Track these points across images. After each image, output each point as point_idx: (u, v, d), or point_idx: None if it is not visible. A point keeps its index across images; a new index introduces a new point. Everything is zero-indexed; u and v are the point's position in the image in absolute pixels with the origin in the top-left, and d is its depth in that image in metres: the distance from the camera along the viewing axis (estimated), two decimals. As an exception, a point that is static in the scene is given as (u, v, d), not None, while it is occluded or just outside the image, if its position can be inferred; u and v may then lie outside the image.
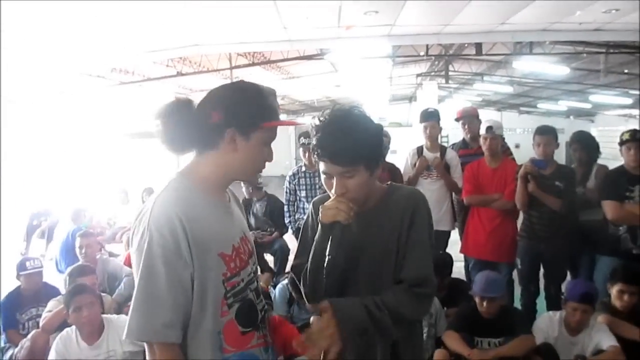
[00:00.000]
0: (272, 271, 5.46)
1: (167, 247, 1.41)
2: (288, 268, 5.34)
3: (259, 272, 5.21)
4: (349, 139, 1.61)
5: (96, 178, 11.92)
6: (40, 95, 9.02)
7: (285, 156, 23.26)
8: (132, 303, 1.42)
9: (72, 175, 12.39)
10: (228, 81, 9.34)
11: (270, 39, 6.13)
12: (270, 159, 1.63)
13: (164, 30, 5.35)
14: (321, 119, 1.69)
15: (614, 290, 3.52)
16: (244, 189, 5.92)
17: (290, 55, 8.24)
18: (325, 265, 1.70)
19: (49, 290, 4.23)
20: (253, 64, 8.66)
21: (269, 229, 5.93)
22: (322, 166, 1.68)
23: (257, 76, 10.28)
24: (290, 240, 5.90)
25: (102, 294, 3.98)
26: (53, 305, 3.70)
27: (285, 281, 4.49)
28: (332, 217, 1.65)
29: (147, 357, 1.48)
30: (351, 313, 1.61)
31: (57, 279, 4.46)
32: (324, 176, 1.71)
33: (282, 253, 5.72)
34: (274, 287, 4.76)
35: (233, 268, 1.54)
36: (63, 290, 3.99)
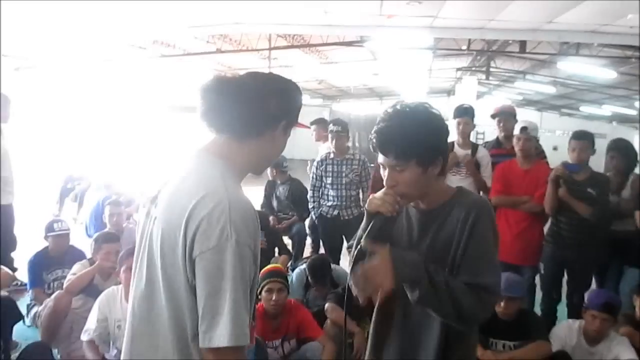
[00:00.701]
0: (289, 254, 5.49)
1: (250, 247, 1.35)
2: (306, 253, 5.38)
3: (275, 254, 5.25)
4: (402, 133, 1.61)
5: (133, 148, 12.19)
6: (85, 62, 9.23)
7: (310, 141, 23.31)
8: (225, 306, 1.30)
9: (110, 143, 12.69)
10: (266, 61, 9.48)
11: (311, 22, 6.12)
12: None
13: (207, 6, 5.39)
14: (387, 110, 1.70)
15: (638, 302, 3.44)
16: (267, 170, 5.95)
17: (330, 40, 8.20)
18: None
19: (75, 253, 4.35)
20: (292, 46, 8.66)
21: (290, 213, 5.96)
22: (378, 156, 1.69)
23: (295, 58, 10.29)
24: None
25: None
26: (78, 269, 3.80)
27: (303, 266, 4.52)
28: (376, 207, 1.65)
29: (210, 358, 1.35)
30: (409, 261, 1.59)
31: (85, 243, 4.57)
32: (381, 167, 1.70)
33: (299, 237, 5.76)
34: (292, 270, 4.79)
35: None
36: (89, 255, 4.11)
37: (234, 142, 1.48)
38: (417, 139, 1.60)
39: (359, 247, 1.68)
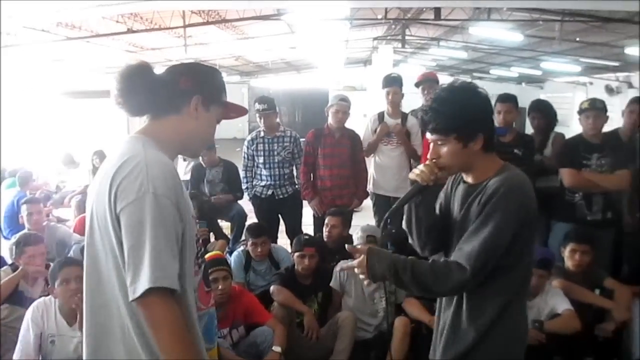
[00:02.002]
0: (226, 238, 5.36)
1: (170, 198, 1.43)
2: (244, 234, 5.26)
3: (212, 239, 5.11)
4: (440, 110, 1.75)
5: (38, 139, 11.38)
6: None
7: (238, 119, 22.89)
8: (145, 253, 1.36)
9: (13, 135, 11.79)
10: (181, 40, 9.08)
11: (227, -4, 5.88)
12: (213, 141, 1.72)
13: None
14: (437, 90, 1.86)
15: (566, 251, 3.61)
16: (200, 158, 5.71)
17: (246, 14, 7.95)
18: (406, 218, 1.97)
19: (-7, 259, 4.00)
20: (208, 23, 8.34)
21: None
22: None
23: (211, 35, 9.94)
24: (246, 204, 5.80)
25: (51, 264, 3.79)
26: (-1, 276, 3.51)
27: (242, 248, 4.42)
28: (414, 176, 1.82)
29: (146, 314, 1.39)
30: (382, 265, 1.77)
31: (2, 247, 4.23)
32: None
33: (239, 218, 5.60)
34: (230, 254, 4.67)
35: (197, 231, 1.68)
36: (8, 260, 3.79)
37: (155, 122, 1.61)
38: (454, 115, 1.74)
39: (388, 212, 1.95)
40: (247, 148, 5.09)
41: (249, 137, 5.16)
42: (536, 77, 19.18)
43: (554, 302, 3.39)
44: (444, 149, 1.78)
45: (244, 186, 5.27)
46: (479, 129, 1.76)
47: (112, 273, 1.46)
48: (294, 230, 4.99)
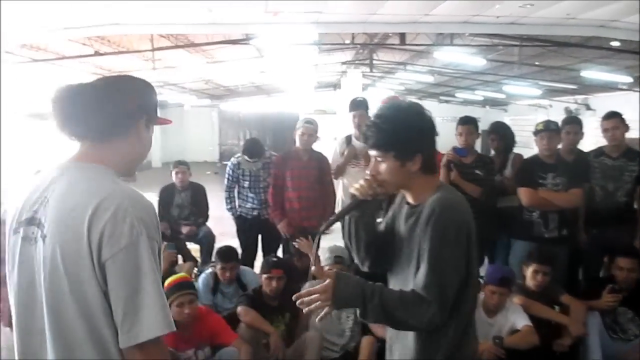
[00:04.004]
0: (194, 260, 5.36)
1: (158, 239, 1.40)
2: (214, 257, 5.27)
3: (180, 262, 5.10)
4: (382, 126, 1.77)
5: (3, 160, 11.14)
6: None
7: (208, 142, 22.82)
8: (141, 299, 1.31)
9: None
10: (149, 63, 9.07)
11: (195, 21, 5.95)
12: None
13: (81, 5, 5.04)
14: (379, 107, 1.87)
15: (528, 271, 3.74)
16: (174, 178, 5.73)
17: (215, 38, 8.03)
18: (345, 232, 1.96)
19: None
20: (176, 47, 8.37)
21: (192, 218, 5.77)
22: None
23: (180, 59, 9.96)
24: (215, 226, 5.81)
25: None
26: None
27: (209, 270, 4.42)
28: (354, 190, 1.84)
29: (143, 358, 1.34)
30: (347, 291, 1.71)
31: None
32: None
33: (207, 241, 5.62)
34: (198, 276, 4.66)
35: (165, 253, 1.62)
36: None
37: (100, 146, 1.47)
38: (393, 133, 1.76)
39: (324, 225, 1.91)
40: (232, 171, 5.23)
41: (234, 160, 5.28)
42: (500, 100, 19.70)
43: (514, 319, 3.49)
44: (383, 166, 1.80)
45: (227, 206, 5.34)
46: (418, 149, 1.78)
47: (78, 321, 1.34)
48: (270, 251, 5.07)
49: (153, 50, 8.27)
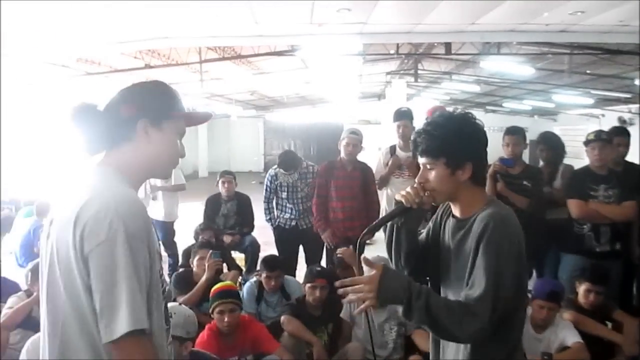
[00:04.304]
0: (239, 269, 5.43)
1: (140, 237, 1.38)
2: (259, 266, 5.35)
3: (225, 270, 5.21)
4: (433, 133, 1.76)
5: (55, 171, 11.61)
6: (8, 85, 8.74)
7: (253, 152, 23.13)
8: (116, 295, 1.32)
9: (37, 167, 12.03)
10: (197, 75, 9.30)
11: (242, 33, 6.05)
12: (183, 154, 1.65)
13: (133, 21, 5.22)
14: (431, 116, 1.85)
15: (581, 289, 3.62)
16: (220, 188, 5.83)
17: (261, 50, 8.16)
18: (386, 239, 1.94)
19: (8, 285, 4.10)
20: (223, 59, 8.55)
21: (237, 228, 5.85)
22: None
23: (227, 70, 10.17)
24: (260, 235, 5.87)
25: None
26: (14, 302, 3.60)
27: (254, 279, 4.48)
28: (400, 197, 1.81)
29: (122, 357, 1.35)
30: (394, 286, 1.68)
31: (17, 273, 4.30)
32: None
33: (252, 250, 5.69)
34: (243, 284, 4.73)
35: (160, 268, 1.56)
36: (24, 286, 3.88)
37: (113, 153, 1.54)
38: (444, 139, 1.74)
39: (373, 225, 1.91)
40: (270, 182, 5.29)
41: (271, 172, 5.35)
42: (549, 109, 19.18)
43: (563, 335, 3.39)
44: (432, 174, 1.77)
45: (266, 217, 5.41)
46: (468, 157, 1.75)
47: (71, 315, 1.38)
48: (313, 261, 5.09)
49: (201, 62, 8.48)
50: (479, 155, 1.80)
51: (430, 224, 2.00)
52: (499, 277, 1.63)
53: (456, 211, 1.84)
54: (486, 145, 1.83)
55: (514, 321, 1.73)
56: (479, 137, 1.80)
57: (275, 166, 5.33)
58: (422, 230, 2.03)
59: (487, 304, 1.62)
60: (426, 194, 1.79)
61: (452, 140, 1.74)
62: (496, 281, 1.63)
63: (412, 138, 1.85)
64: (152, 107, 1.56)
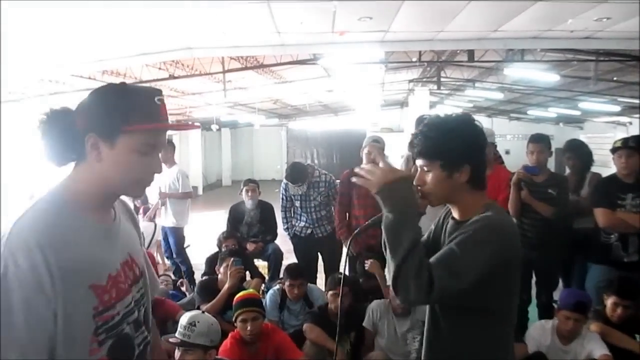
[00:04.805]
0: (262, 277, 5.44)
1: (25, 281, 1.19)
2: (282, 274, 5.38)
3: (248, 278, 5.18)
4: (429, 134, 1.71)
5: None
6: (32, 96, 8.97)
7: (276, 160, 23.25)
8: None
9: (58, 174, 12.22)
10: (220, 84, 9.41)
11: (264, 43, 6.11)
12: (154, 169, 1.41)
13: (157, 33, 5.32)
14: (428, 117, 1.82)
15: (608, 302, 3.53)
16: (244, 196, 5.86)
17: (283, 59, 8.23)
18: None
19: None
20: (246, 68, 8.64)
21: (261, 236, 5.87)
22: None
23: (250, 80, 10.27)
24: (283, 243, 5.89)
25: None
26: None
27: (277, 286, 4.48)
28: None
29: None
30: (400, 195, 1.62)
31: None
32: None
33: (275, 258, 5.69)
34: (266, 292, 4.74)
35: (107, 301, 1.33)
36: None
37: (71, 171, 1.39)
38: (441, 140, 1.70)
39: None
40: (285, 191, 5.29)
41: (282, 184, 5.37)
42: (575, 117, 18.90)
43: (590, 347, 3.31)
44: (429, 176, 1.72)
45: (283, 226, 5.44)
46: (466, 159, 1.70)
47: None
48: (332, 269, 5.07)
49: (224, 72, 8.58)
50: (477, 158, 1.74)
51: (432, 226, 1.96)
52: (457, 260, 1.58)
53: (455, 213, 1.80)
54: (485, 147, 1.79)
55: (488, 326, 1.69)
56: (476, 139, 1.75)
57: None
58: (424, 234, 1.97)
59: (437, 282, 1.54)
60: (422, 197, 1.74)
61: (448, 142, 1.69)
62: (456, 256, 1.59)
63: (409, 140, 1.80)
64: (100, 119, 1.33)
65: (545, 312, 4.05)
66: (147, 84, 8.91)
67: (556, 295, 3.97)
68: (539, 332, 3.48)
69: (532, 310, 4.26)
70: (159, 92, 1.41)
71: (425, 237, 1.95)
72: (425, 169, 1.73)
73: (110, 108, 1.33)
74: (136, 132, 1.33)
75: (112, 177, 1.36)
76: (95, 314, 1.30)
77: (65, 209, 1.31)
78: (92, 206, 1.37)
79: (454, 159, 1.70)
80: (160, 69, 8.17)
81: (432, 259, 1.61)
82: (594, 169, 4.50)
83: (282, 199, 5.37)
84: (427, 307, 1.86)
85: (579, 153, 4.49)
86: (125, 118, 1.32)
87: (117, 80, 8.46)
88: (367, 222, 1.88)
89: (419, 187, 1.74)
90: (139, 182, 1.41)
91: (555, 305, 3.62)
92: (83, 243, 1.30)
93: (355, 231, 1.90)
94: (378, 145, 4.72)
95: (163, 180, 6.43)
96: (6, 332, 1.17)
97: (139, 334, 1.47)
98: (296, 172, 5.17)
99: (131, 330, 1.43)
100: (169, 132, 1.53)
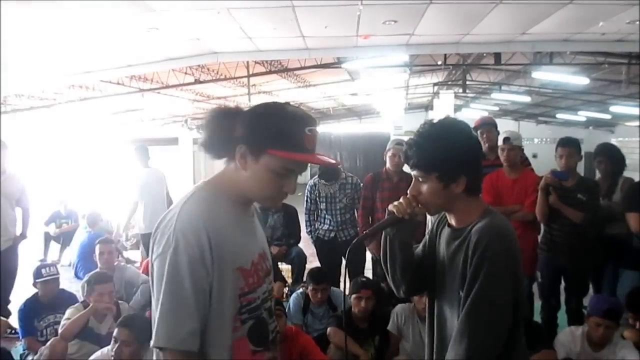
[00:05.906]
0: (284, 281, 5.44)
1: (192, 254, 1.39)
2: (306, 278, 5.37)
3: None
4: (423, 147, 1.67)
5: (112, 184, 12.03)
6: (64, 101, 9.18)
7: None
8: (158, 309, 1.39)
9: (89, 180, 12.51)
10: (245, 89, 9.48)
11: (288, 47, 6.14)
12: (289, 190, 1.55)
13: (183, 38, 5.38)
14: (421, 124, 1.75)
15: (638, 325, 3.42)
16: None
17: (308, 63, 8.24)
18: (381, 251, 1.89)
19: (66, 297, 4.25)
20: (270, 72, 8.68)
21: (284, 239, 5.87)
22: None
23: (274, 84, 10.32)
24: (306, 247, 5.89)
25: (120, 302, 3.98)
26: (71, 313, 3.70)
27: (301, 290, 4.48)
28: (392, 207, 1.74)
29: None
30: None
31: (75, 285, 4.45)
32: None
33: (299, 261, 5.70)
34: (289, 296, 4.74)
35: (251, 284, 1.53)
36: (80, 298, 4.00)
37: (224, 169, 1.57)
38: (436, 153, 1.65)
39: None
40: (310, 193, 5.26)
41: (311, 182, 5.33)
42: (605, 121, 18.52)
43: (622, 354, 3.23)
44: (425, 187, 1.69)
45: (307, 229, 5.40)
46: (462, 171, 1.66)
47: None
48: (355, 273, 5.03)
49: (249, 76, 8.63)
50: (472, 169, 1.71)
51: (427, 235, 1.93)
52: (491, 300, 1.58)
53: (452, 220, 1.77)
54: (481, 155, 1.76)
55: (515, 344, 1.65)
56: (472, 150, 1.73)
57: (316, 177, 5.32)
58: (418, 245, 1.95)
59: (479, 326, 1.57)
60: (418, 206, 1.72)
61: (444, 155, 1.64)
62: (488, 304, 1.58)
63: (403, 149, 1.78)
64: (254, 135, 1.47)
65: (575, 318, 3.96)
66: (174, 89, 9.03)
67: (586, 301, 3.88)
68: (569, 338, 3.40)
69: (561, 316, 4.17)
70: (313, 122, 1.52)
71: (419, 247, 1.92)
72: (421, 179, 1.70)
73: (262, 128, 1.47)
74: (277, 156, 1.46)
75: (250, 187, 1.53)
76: (241, 294, 1.50)
77: (220, 200, 1.52)
78: (239, 202, 1.57)
79: (450, 171, 1.66)
80: (186, 73, 8.26)
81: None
82: (625, 174, 4.38)
83: (307, 201, 5.34)
84: (429, 306, 1.90)
85: (611, 157, 4.38)
86: (273, 142, 1.45)
87: (144, 85, 8.62)
88: (373, 226, 1.89)
89: (413, 195, 1.72)
90: (271, 199, 1.58)
91: (585, 312, 3.53)
92: (233, 230, 1.51)
93: (364, 233, 1.92)
94: (402, 148, 4.69)
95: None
96: (179, 299, 1.38)
97: (272, 322, 1.64)
98: (331, 170, 5.15)
99: (267, 316, 1.60)
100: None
